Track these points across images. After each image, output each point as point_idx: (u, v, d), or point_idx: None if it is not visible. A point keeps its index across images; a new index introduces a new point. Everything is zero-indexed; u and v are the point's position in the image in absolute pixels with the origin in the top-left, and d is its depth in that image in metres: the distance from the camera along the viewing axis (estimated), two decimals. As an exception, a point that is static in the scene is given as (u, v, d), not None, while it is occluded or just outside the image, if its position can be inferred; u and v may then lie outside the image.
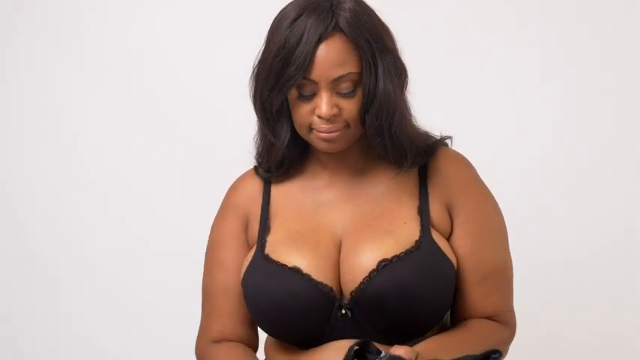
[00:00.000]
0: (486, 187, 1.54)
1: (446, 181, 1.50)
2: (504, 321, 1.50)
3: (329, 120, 1.41)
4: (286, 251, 1.46)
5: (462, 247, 1.48)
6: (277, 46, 1.40)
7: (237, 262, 1.53)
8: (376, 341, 1.37)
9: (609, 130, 2.38)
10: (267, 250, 1.47)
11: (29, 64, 2.59)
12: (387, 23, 1.47)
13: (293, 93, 1.42)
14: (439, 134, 1.53)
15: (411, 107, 1.49)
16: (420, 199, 1.48)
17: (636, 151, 2.39)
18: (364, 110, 1.42)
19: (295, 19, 1.40)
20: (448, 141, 1.54)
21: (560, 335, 2.36)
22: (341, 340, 1.41)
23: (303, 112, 1.42)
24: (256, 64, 1.46)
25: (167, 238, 2.48)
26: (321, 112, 1.40)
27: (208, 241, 1.58)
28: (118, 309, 2.56)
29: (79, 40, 2.55)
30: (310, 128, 1.43)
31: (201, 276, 1.58)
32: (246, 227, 1.55)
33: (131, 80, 2.55)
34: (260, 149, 1.53)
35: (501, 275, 1.51)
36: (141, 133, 2.55)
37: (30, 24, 2.57)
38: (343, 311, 1.42)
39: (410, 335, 1.43)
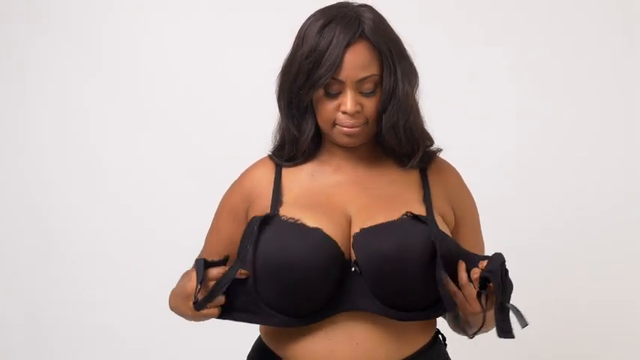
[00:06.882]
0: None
1: (445, 181, 1.64)
2: None
3: (352, 116, 1.54)
4: (301, 215, 1.55)
5: (468, 241, 1.65)
6: (308, 49, 1.52)
7: (229, 231, 1.65)
8: (371, 310, 1.50)
9: (571, 130, 2.61)
10: (282, 214, 1.56)
11: (50, 78, 2.73)
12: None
13: (319, 91, 1.54)
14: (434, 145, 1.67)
15: (421, 109, 1.62)
16: (423, 192, 1.61)
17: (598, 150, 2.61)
18: (383, 108, 1.55)
19: (324, 26, 1.52)
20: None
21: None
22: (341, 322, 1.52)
23: (328, 109, 1.55)
24: (284, 66, 1.58)
25: (184, 236, 2.52)
26: (347, 109, 1.53)
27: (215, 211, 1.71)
28: (137, 301, 2.72)
29: (95, 54, 2.70)
30: (334, 124, 1.56)
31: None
32: (247, 206, 1.64)
33: (138, 88, 2.70)
34: (280, 143, 1.64)
35: None
36: (153, 138, 2.71)
37: (48, 40, 2.72)
38: (353, 269, 1.52)
39: (405, 305, 1.52)
